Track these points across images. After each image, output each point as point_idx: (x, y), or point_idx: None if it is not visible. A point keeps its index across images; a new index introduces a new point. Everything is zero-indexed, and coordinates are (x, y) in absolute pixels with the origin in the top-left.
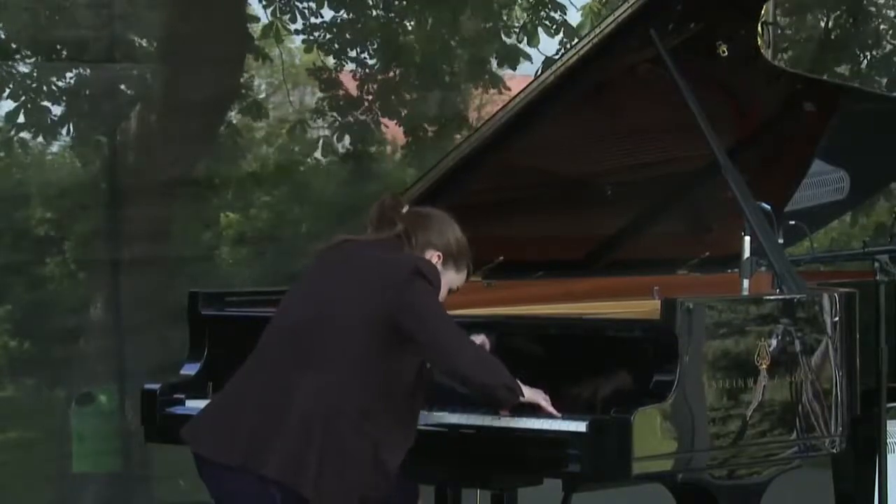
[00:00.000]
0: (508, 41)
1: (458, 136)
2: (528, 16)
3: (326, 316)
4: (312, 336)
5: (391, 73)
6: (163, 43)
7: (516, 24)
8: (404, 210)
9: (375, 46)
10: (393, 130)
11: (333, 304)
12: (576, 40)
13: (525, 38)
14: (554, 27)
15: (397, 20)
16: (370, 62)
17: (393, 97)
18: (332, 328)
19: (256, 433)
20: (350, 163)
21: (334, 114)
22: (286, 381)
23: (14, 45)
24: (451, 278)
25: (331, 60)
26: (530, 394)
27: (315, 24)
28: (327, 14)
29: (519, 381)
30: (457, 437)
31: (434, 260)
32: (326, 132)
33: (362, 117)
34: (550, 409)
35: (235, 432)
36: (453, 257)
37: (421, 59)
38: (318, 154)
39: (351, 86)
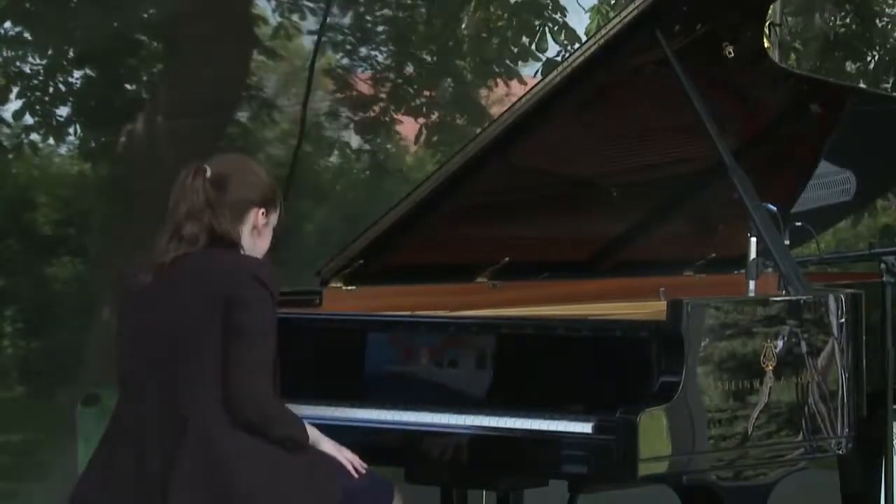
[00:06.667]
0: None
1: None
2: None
3: (179, 346)
4: (173, 367)
5: (405, 72)
6: (169, 43)
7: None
8: (208, 176)
9: (387, 44)
10: (408, 129)
11: (180, 335)
12: (582, 42)
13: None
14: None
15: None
16: (381, 60)
17: (406, 92)
18: (186, 356)
19: (152, 475)
20: (365, 159)
21: (349, 115)
22: (160, 414)
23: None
24: (274, 219)
25: (345, 61)
26: (334, 450)
27: (329, 24)
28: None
29: (327, 442)
30: (462, 439)
31: (260, 218)
32: (341, 133)
33: (376, 114)
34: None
35: (127, 479)
36: (271, 200)
37: (433, 56)
38: (334, 158)
39: (365, 85)
